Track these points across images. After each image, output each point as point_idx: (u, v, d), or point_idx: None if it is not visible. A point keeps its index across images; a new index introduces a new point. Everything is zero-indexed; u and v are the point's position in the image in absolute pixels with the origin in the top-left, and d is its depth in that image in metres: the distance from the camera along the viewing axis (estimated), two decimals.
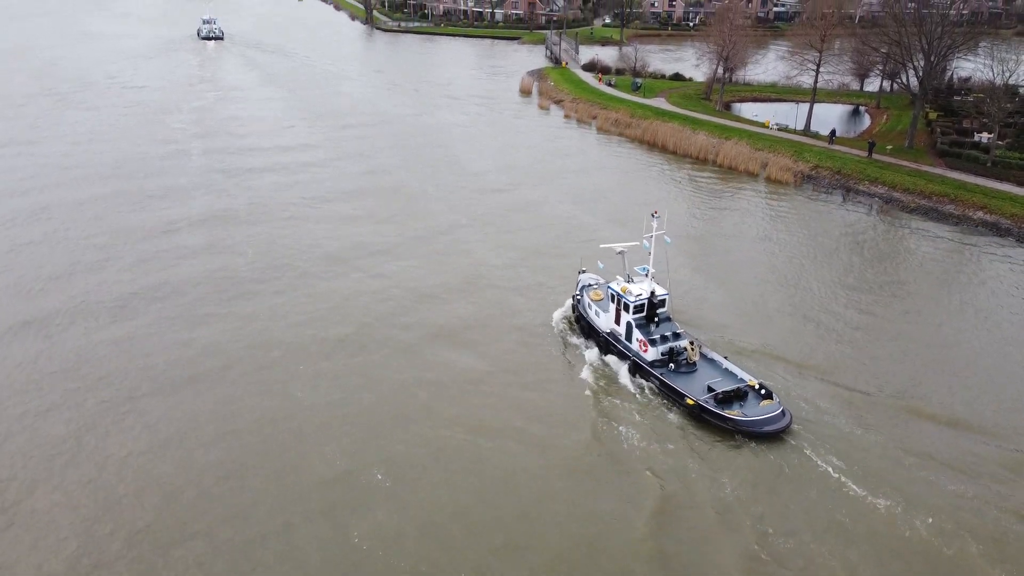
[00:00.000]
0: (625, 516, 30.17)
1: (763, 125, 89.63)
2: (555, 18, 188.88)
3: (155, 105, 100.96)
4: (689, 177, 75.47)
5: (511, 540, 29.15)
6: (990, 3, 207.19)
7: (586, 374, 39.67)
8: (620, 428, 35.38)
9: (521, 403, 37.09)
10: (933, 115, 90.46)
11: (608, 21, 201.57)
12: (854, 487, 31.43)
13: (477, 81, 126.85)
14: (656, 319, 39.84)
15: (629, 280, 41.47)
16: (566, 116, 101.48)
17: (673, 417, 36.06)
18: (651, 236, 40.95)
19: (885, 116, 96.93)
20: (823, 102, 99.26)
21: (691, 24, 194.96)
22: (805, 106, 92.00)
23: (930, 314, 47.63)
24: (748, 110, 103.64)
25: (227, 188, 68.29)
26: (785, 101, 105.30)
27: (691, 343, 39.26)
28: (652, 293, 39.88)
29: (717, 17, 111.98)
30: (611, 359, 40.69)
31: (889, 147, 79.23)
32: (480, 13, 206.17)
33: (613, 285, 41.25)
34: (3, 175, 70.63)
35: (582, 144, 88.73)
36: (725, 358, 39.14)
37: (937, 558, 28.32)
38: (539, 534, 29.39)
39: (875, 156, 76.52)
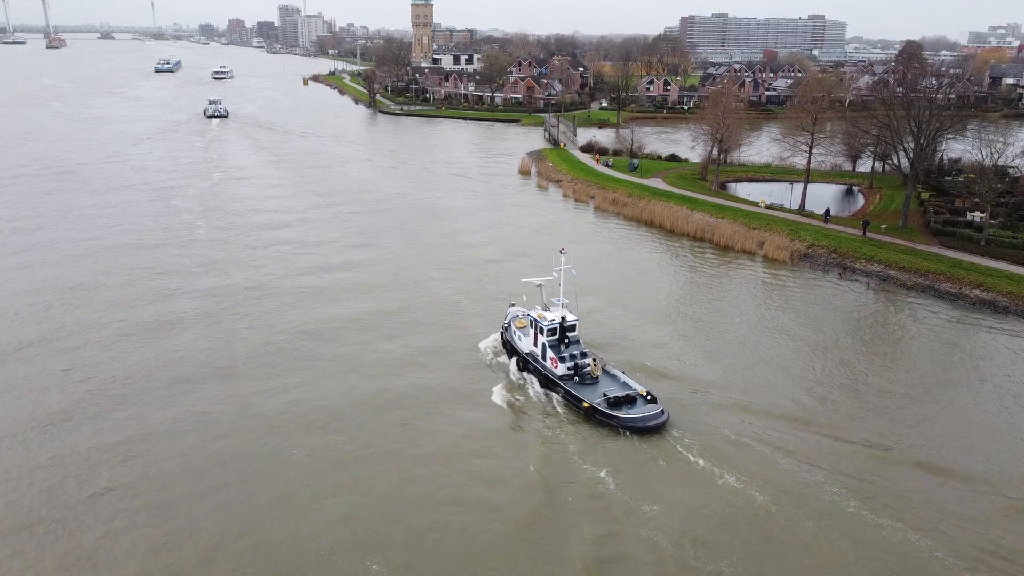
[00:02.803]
0: (517, 479, 37.20)
1: (757, 204, 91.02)
2: (553, 101, 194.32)
3: (160, 186, 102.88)
4: (686, 255, 76.16)
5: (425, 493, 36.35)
6: (976, 88, 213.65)
7: (505, 387, 46.41)
8: (527, 426, 42.38)
9: (451, 407, 44.25)
10: (925, 195, 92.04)
11: (605, 104, 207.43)
12: (717, 471, 37.73)
13: (477, 162, 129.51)
14: (567, 341, 46.82)
15: (546, 308, 48.93)
16: (564, 196, 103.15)
17: (572, 418, 42.98)
18: (560, 270, 48.70)
19: (878, 196, 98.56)
20: (817, 182, 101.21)
21: (686, 107, 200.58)
22: (799, 186, 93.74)
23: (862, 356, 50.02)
24: (743, 190, 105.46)
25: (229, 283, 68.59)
26: (779, 181, 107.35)
27: (594, 360, 45.99)
28: (563, 319, 46.86)
29: (711, 101, 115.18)
30: (529, 377, 47.47)
31: (883, 226, 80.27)
32: (480, 97, 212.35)
33: (532, 313, 48.40)
34: (11, 254, 71.54)
35: (579, 223, 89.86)
36: (623, 373, 46.01)
37: (766, 523, 34.19)
38: (446, 488, 36.60)
39: (870, 235, 77.46)
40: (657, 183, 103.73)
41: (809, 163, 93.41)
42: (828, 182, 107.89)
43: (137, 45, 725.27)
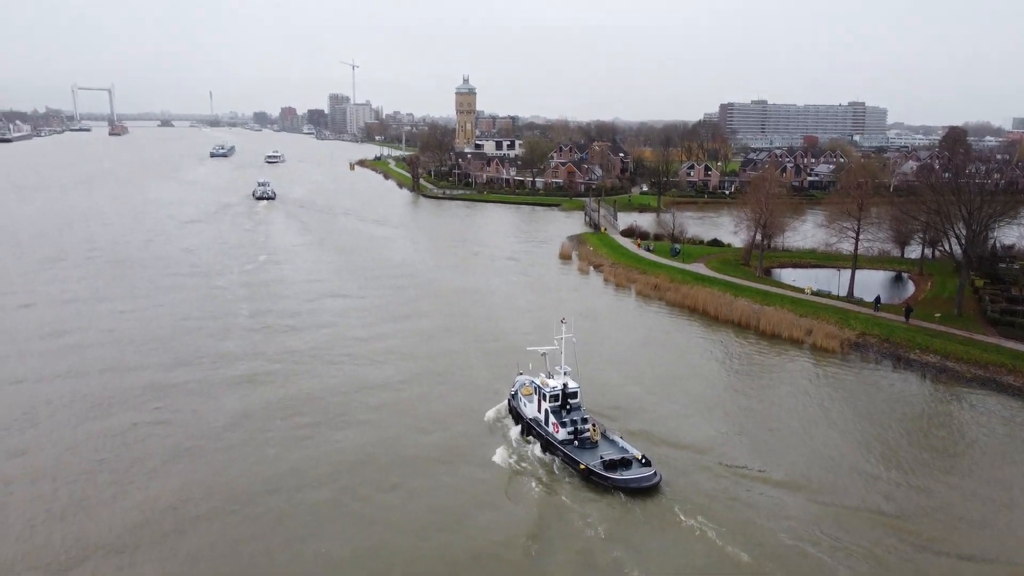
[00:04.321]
0: (511, 533, 39.42)
1: (802, 291, 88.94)
2: (594, 186, 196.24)
3: (207, 267, 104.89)
4: (731, 343, 74.08)
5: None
6: None
7: (508, 451, 48.56)
8: (525, 486, 44.55)
9: (457, 466, 46.97)
10: (979, 282, 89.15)
11: (645, 189, 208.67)
12: (709, 535, 39.16)
13: (519, 246, 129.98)
14: (568, 407, 48.83)
15: (550, 376, 51.03)
16: (605, 280, 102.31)
17: (570, 480, 45.00)
18: (561, 339, 51.28)
19: (929, 283, 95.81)
20: (864, 268, 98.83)
21: (727, 192, 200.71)
22: (846, 272, 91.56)
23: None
24: (788, 275, 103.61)
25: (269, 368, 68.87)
26: (825, 267, 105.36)
27: (593, 426, 47.91)
28: (565, 385, 49.28)
29: (752, 186, 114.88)
30: (533, 442, 49.37)
31: (938, 315, 77.47)
32: (521, 181, 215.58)
33: (536, 380, 50.80)
34: (56, 331, 72.72)
35: (620, 308, 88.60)
36: (621, 438, 47.93)
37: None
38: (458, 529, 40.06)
39: (924, 324, 74.70)
40: (699, 268, 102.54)
41: (856, 249, 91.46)
42: (876, 268, 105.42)
43: (194, 132, 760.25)
